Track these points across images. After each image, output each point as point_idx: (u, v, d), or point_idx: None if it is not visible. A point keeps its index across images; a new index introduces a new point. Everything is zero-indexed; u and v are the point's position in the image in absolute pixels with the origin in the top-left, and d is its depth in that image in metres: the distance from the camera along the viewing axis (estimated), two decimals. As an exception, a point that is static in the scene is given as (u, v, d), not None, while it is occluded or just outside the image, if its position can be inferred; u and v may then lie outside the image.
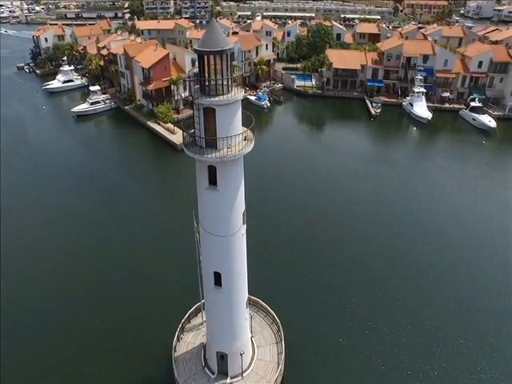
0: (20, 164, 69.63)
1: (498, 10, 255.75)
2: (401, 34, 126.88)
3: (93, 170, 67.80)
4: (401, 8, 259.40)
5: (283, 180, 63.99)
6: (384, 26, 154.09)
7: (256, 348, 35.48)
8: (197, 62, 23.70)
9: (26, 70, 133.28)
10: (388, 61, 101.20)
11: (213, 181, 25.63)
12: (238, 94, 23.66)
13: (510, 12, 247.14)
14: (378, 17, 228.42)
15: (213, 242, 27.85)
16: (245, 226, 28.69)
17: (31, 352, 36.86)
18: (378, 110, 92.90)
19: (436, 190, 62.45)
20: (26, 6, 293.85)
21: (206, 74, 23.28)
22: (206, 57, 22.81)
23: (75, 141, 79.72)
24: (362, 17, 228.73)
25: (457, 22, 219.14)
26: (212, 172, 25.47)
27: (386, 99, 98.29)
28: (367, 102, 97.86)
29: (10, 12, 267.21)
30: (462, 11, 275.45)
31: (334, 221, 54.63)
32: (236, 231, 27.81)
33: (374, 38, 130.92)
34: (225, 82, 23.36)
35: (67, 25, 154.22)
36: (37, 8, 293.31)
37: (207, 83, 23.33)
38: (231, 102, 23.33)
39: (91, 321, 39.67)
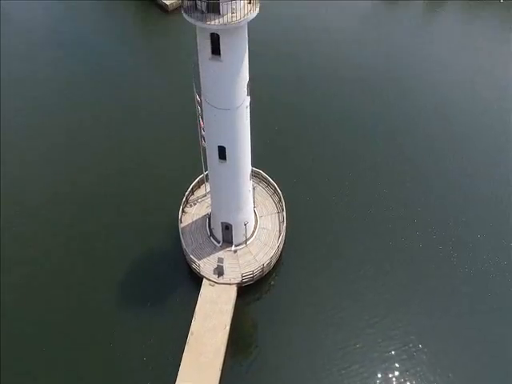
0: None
1: None
2: None
3: (74, 34, 62.17)
4: None
5: (283, 43, 59.63)
6: None
7: (258, 218, 36.64)
8: None
9: None
10: None
11: (216, 50, 23.84)
12: None
13: None
14: None
15: (217, 116, 26.89)
16: (249, 97, 27.50)
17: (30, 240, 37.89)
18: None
19: (445, 53, 58.61)
20: None
21: None
22: None
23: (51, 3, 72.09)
24: None
25: None
26: (215, 40, 23.56)
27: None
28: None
29: None
30: None
31: (337, 85, 52.06)
32: (240, 104, 26.72)
33: None
34: None
35: None
36: None
37: None
38: (236, -44, 20.54)
39: (93, 201, 39.79)
